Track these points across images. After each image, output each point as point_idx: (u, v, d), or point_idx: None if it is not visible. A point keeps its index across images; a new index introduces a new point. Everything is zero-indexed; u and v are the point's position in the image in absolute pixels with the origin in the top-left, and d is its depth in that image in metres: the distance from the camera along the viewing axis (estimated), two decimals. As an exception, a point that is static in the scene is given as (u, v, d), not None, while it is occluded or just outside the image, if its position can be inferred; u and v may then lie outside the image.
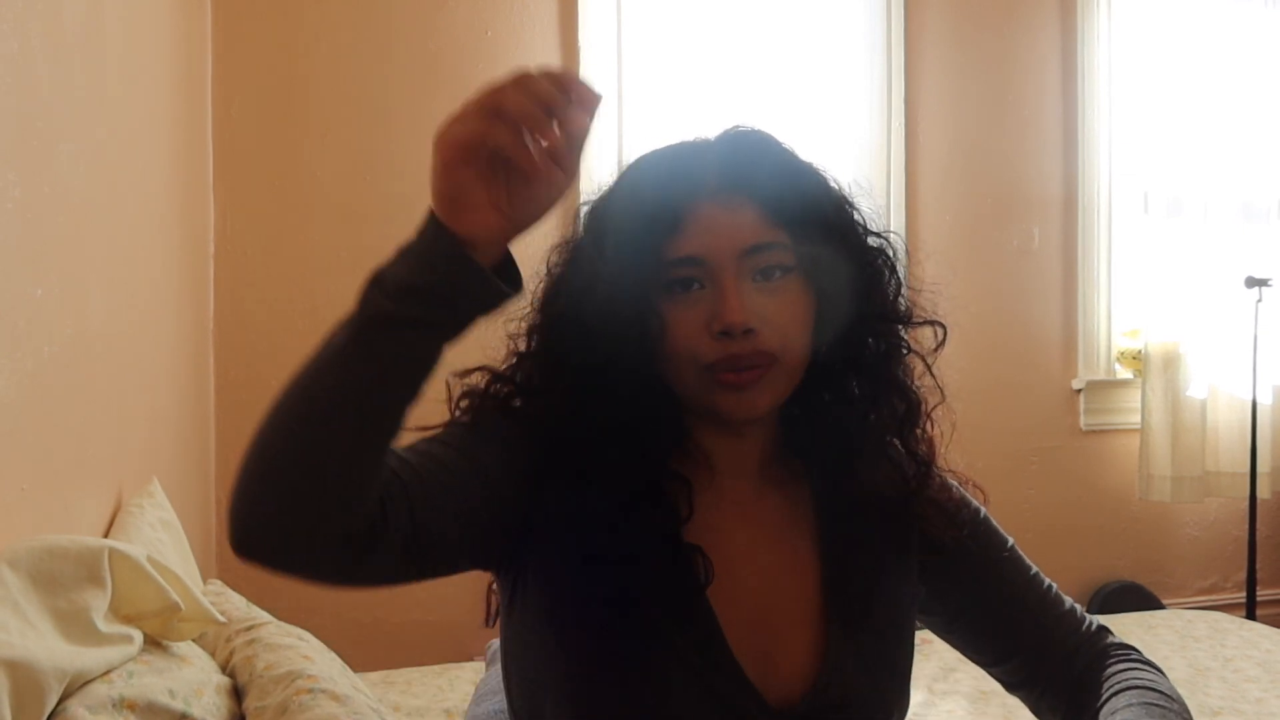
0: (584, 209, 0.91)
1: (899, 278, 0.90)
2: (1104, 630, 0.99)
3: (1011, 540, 1.00)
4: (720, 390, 0.82)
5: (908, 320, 0.91)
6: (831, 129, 2.94)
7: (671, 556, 0.84)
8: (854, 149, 2.98)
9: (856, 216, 0.89)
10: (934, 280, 0.93)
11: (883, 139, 3.01)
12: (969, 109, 3.11)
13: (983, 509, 0.99)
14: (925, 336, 0.93)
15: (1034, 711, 0.99)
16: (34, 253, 1.21)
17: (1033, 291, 3.18)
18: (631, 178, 0.88)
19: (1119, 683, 0.91)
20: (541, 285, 0.90)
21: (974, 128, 3.12)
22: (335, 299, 2.96)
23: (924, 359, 0.91)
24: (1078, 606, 1.00)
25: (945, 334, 0.92)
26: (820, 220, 0.85)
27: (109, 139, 1.58)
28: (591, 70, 2.75)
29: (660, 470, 0.86)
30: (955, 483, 0.98)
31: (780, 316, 0.82)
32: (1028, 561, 0.99)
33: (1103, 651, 0.96)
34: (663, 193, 0.82)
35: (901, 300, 0.90)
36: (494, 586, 0.91)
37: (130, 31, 1.73)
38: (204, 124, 2.47)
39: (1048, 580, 0.99)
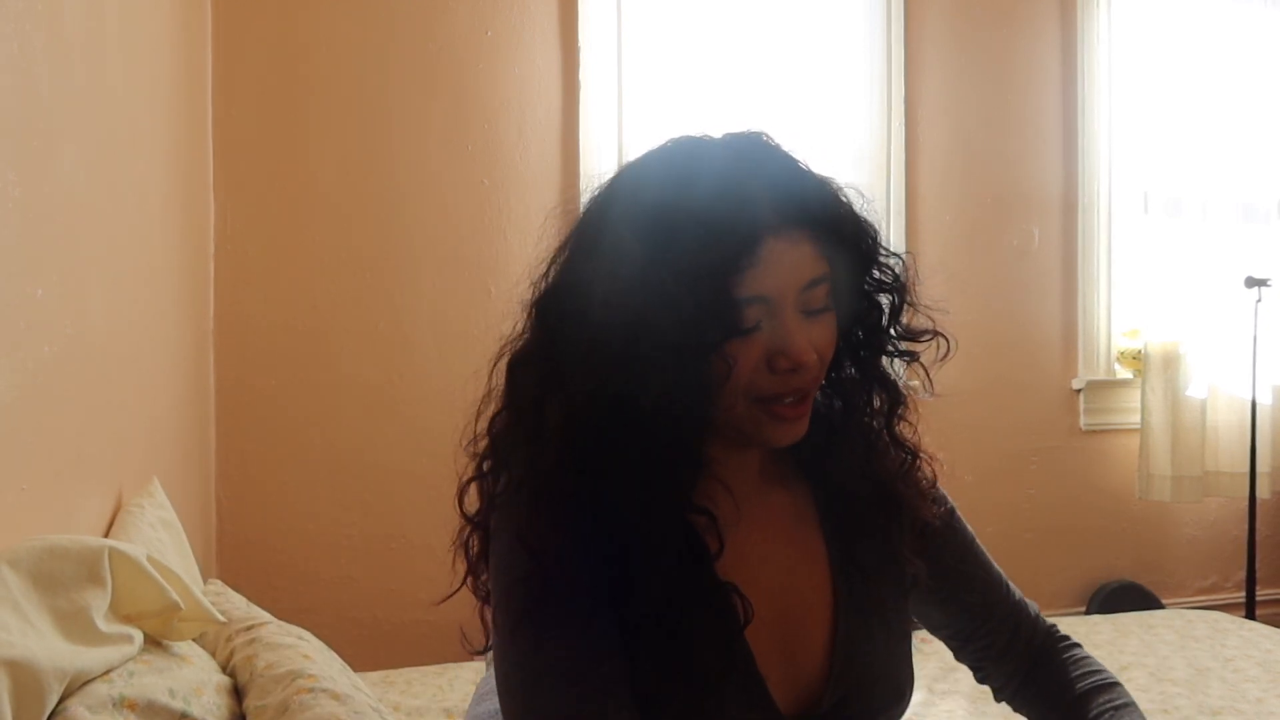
0: (587, 225, 0.85)
1: (907, 297, 0.91)
2: (1039, 615, 1.07)
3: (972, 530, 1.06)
4: (772, 421, 0.83)
5: (913, 337, 0.92)
6: (831, 129, 2.95)
7: (708, 599, 0.85)
8: (854, 149, 2.98)
9: (873, 235, 0.89)
10: (940, 298, 0.94)
11: (883, 139, 3.01)
12: (969, 109, 3.11)
13: (949, 499, 1.04)
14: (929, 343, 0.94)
15: (981, 676, 1.07)
16: (34, 253, 1.21)
17: (1033, 291, 3.18)
18: (667, 198, 0.79)
19: (1108, 701, 0.97)
20: (550, 319, 0.84)
21: (974, 128, 3.12)
22: (335, 299, 2.95)
23: (925, 369, 0.93)
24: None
25: (949, 347, 0.93)
26: (853, 247, 0.86)
27: (109, 139, 1.58)
28: (591, 70, 2.75)
29: (686, 505, 0.84)
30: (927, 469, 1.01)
31: (826, 345, 0.84)
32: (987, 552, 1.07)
33: (1048, 632, 1.06)
34: (726, 226, 0.77)
35: (905, 316, 0.92)
36: (484, 615, 0.88)
37: (130, 32, 1.73)
38: (204, 124, 2.47)
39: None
